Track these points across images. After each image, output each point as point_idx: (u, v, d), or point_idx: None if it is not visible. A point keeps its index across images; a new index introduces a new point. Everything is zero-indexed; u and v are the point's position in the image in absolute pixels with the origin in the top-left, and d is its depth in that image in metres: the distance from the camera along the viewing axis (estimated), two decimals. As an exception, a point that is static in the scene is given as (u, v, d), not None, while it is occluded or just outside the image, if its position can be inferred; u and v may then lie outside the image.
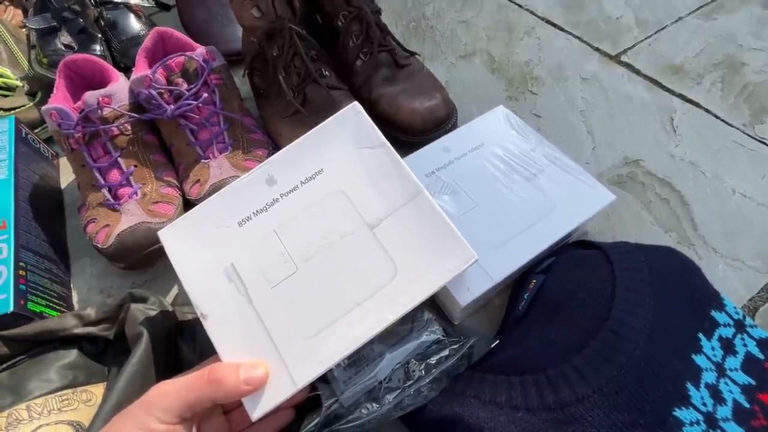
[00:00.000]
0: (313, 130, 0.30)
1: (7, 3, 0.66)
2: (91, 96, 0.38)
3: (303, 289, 0.27)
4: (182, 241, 0.28)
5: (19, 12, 0.65)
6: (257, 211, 0.28)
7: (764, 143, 0.46)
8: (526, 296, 0.32)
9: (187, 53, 0.41)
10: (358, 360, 0.32)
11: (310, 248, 0.27)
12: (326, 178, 0.29)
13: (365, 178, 0.28)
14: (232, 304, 0.26)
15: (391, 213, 0.28)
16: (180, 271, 0.27)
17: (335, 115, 0.30)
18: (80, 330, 0.31)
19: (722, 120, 0.48)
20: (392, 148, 0.29)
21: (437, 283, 0.26)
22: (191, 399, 0.22)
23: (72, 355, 0.31)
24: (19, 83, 0.53)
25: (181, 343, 0.33)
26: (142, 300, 0.31)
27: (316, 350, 0.26)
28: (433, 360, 0.32)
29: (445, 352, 0.33)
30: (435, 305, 0.36)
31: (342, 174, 0.29)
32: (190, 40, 0.45)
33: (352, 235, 0.27)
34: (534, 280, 0.33)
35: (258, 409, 0.24)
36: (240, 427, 0.28)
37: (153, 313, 0.31)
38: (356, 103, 0.30)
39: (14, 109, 0.50)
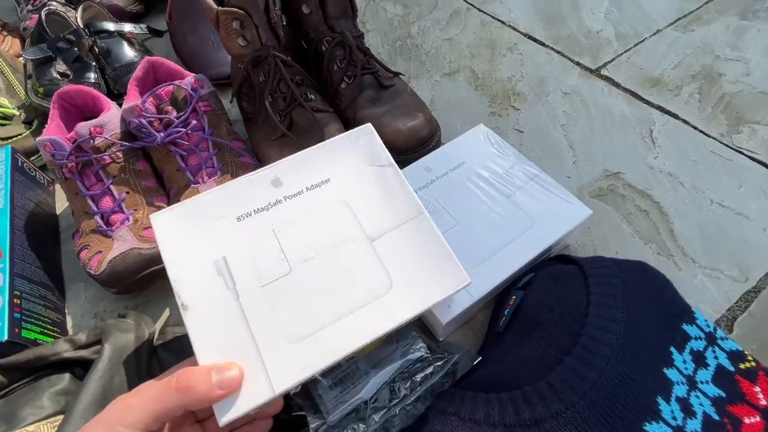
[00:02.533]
0: (325, 141, 0.30)
1: (5, 33, 0.68)
2: (83, 127, 0.40)
3: (294, 291, 0.26)
4: (174, 227, 0.27)
5: (17, 42, 0.67)
6: (258, 209, 0.28)
7: (741, 153, 0.47)
8: (506, 312, 0.33)
9: (176, 82, 0.42)
10: (344, 379, 0.33)
11: (307, 251, 0.27)
12: (332, 188, 0.29)
13: (370, 193, 0.29)
14: (217, 298, 0.25)
15: (392, 229, 0.28)
16: (167, 257, 0.26)
17: (349, 131, 0.31)
18: (71, 354, 0.32)
19: (700, 131, 0.49)
20: (399, 169, 0.30)
21: (429, 301, 0.26)
22: (159, 410, 0.20)
23: (64, 380, 0.32)
24: (16, 112, 0.54)
25: (169, 359, 0.34)
26: (122, 317, 0.32)
27: (300, 356, 0.24)
28: (418, 378, 0.33)
29: (430, 369, 0.33)
30: (420, 322, 0.37)
31: (348, 186, 0.29)
32: (180, 68, 0.46)
33: (351, 244, 0.27)
34: (514, 296, 0.34)
35: (228, 413, 0.22)
36: None
37: (124, 326, 0.32)
38: (369, 124, 0.31)
39: (11, 138, 0.52)
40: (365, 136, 0.31)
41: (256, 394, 0.23)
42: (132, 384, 0.30)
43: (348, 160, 0.30)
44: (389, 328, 0.26)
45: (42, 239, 0.44)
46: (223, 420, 0.22)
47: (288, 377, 0.23)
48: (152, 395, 0.21)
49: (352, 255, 0.27)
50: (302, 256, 0.27)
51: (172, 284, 0.26)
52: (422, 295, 0.26)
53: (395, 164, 0.30)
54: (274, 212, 0.28)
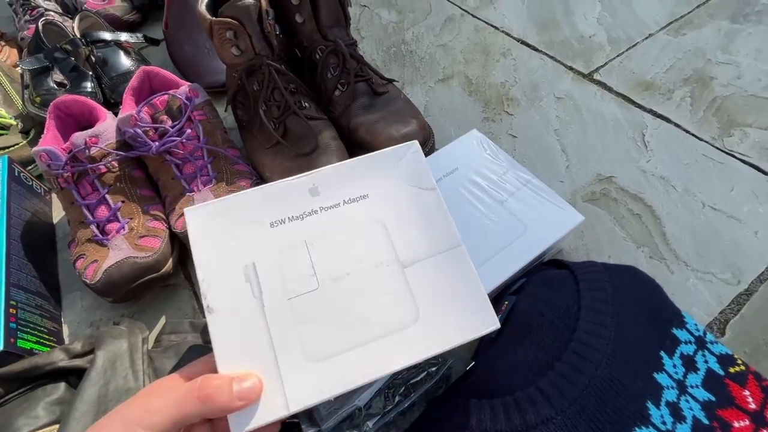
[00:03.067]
0: (368, 154, 0.29)
1: (2, 43, 0.68)
2: (78, 137, 0.40)
3: (320, 309, 0.25)
4: (207, 225, 0.27)
5: (15, 52, 0.68)
6: (293, 217, 0.27)
7: (733, 156, 0.47)
8: (499, 318, 0.33)
9: (171, 91, 0.43)
10: (338, 386, 0.33)
11: (337, 270, 0.26)
12: (369, 205, 0.28)
13: (408, 215, 0.28)
14: (242, 305, 0.25)
15: (426, 257, 0.27)
16: (197, 256, 0.26)
17: (394, 147, 0.30)
18: (66, 363, 0.32)
19: (692, 134, 0.49)
20: (441, 195, 0.29)
21: (455, 341, 0.25)
22: (179, 416, 0.21)
23: (59, 390, 0.32)
24: (13, 122, 0.55)
25: (164, 365, 0.34)
26: (116, 325, 0.33)
27: (320, 377, 0.24)
28: (412, 383, 0.33)
29: (423, 375, 0.34)
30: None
31: (386, 205, 0.28)
32: (175, 78, 0.47)
33: (383, 268, 0.26)
34: (506, 302, 0.34)
35: (242, 426, 0.22)
36: None
37: (117, 332, 0.32)
38: (416, 141, 0.30)
39: (8, 147, 0.52)
40: (410, 154, 0.30)
41: (271, 409, 0.23)
42: (128, 390, 0.31)
43: (389, 177, 0.29)
44: (411, 362, 0.25)
45: (38, 248, 0.44)
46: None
47: (304, 398, 0.23)
48: (174, 400, 0.21)
49: (382, 280, 0.26)
50: (332, 274, 0.26)
51: (199, 283, 0.25)
52: (448, 332, 0.25)
53: (437, 189, 0.29)
54: (308, 223, 0.27)
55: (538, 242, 0.36)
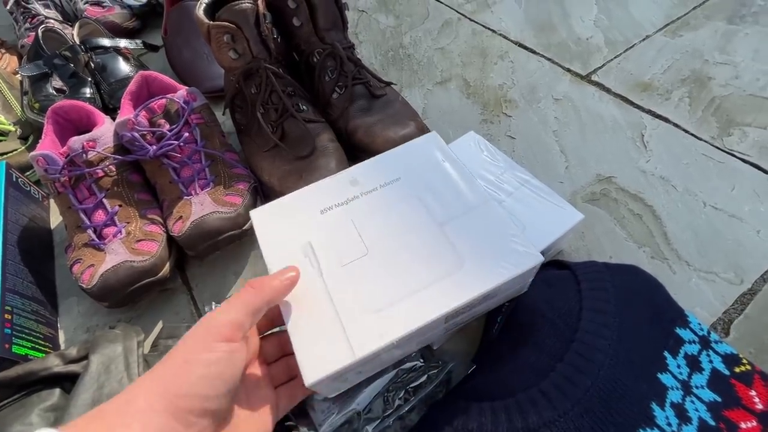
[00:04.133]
0: (395, 148, 0.36)
1: (3, 51, 0.69)
2: (76, 141, 0.40)
3: (371, 269, 0.29)
4: (269, 219, 0.32)
5: (15, 59, 0.68)
6: (339, 203, 0.32)
7: (733, 155, 0.47)
8: (499, 319, 0.33)
9: (168, 95, 0.43)
10: (337, 390, 0.33)
11: (382, 236, 0.30)
12: (402, 185, 0.33)
13: (438, 186, 0.33)
14: (303, 276, 0.28)
15: (461, 215, 0.31)
16: (263, 243, 0.31)
17: (414, 140, 0.36)
18: (61, 369, 0.32)
19: (691, 134, 0.49)
20: (463, 163, 0.34)
21: (501, 278, 0.27)
22: (248, 306, 0.24)
23: (54, 396, 0.31)
24: (11, 128, 0.55)
25: None
26: (112, 328, 0.32)
27: (378, 324, 0.26)
28: (412, 387, 0.33)
29: (424, 378, 0.33)
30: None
31: (417, 182, 0.33)
32: (173, 82, 0.47)
33: (423, 228, 0.30)
34: (507, 303, 0.33)
35: (314, 374, 0.25)
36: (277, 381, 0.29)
37: (112, 336, 0.31)
38: (434, 132, 0.36)
39: (6, 153, 0.52)
40: (431, 139, 0.36)
41: (338, 357, 0.25)
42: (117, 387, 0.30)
43: (415, 162, 0.34)
44: (460, 302, 0.27)
45: (35, 254, 0.43)
46: (310, 382, 0.25)
47: (368, 343, 0.25)
48: (236, 299, 0.24)
49: (423, 238, 0.30)
50: (378, 240, 0.30)
51: (267, 266, 0.29)
52: (494, 272, 0.28)
53: (458, 159, 0.34)
54: (352, 206, 0.32)
55: (538, 241, 0.35)
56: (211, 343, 0.22)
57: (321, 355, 0.25)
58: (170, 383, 0.21)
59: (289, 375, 0.29)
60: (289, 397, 0.28)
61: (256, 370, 0.28)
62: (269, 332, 0.31)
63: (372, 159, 0.35)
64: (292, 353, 0.27)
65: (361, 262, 0.29)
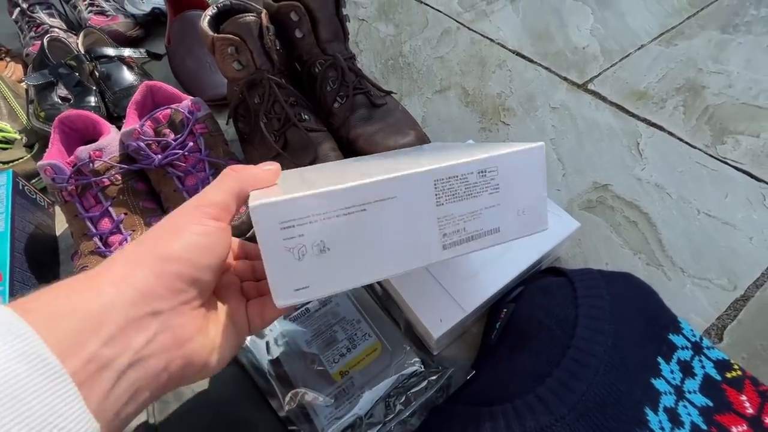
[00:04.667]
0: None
1: (8, 59, 0.70)
2: (83, 151, 0.41)
3: (354, 168, 0.27)
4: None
5: (20, 68, 0.69)
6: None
7: (726, 163, 0.48)
8: (497, 326, 0.34)
9: (173, 105, 0.44)
10: (339, 395, 0.33)
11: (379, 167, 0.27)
12: (402, 152, 0.33)
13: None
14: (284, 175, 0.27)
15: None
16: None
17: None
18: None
19: (685, 142, 0.50)
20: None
21: (498, 149, 0.25)
22: (232, 188, 0.23)
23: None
24: (17, 136, 0.55)
25: None
26: None
27: (345, 181, 0.22)
28: (412, 392, 0.33)
29: (424, 384, 0.34)
30: (414, 336, 0.37)
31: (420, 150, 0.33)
32: (177, 92, 0.48)
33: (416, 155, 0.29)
34: (505, 309, 0.34)
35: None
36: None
37: None
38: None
39: (12, 161, 0.53)
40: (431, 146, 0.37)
41: (295, 191, 0.21)
42: None
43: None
44: (446, 164, 0.23)
45: (42, 261, 0.44)
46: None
47: (328, 186, 0.21)
48: (220, 182, 0.23)
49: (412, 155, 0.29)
50: (374, 164, 0.27)
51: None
52: (488, 146, 0.26)
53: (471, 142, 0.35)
54: (350, 163, 0.30)
55: (535, 249, 0.36)
56: (202, 218, 0.21)
57: (276, 193, 0.21)
58: (159, 246, 0.19)
59: (259, 294, 0.26)
60: (259, 313, 0.25)
61: (231, 276, 0.26)
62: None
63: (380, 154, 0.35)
64: (264, 278, 0.25)
65: (344, 169, 0.26)
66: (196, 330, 0.20)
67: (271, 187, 0.24)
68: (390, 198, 0.22)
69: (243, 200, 0.23)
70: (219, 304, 0.23)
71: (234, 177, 0.23)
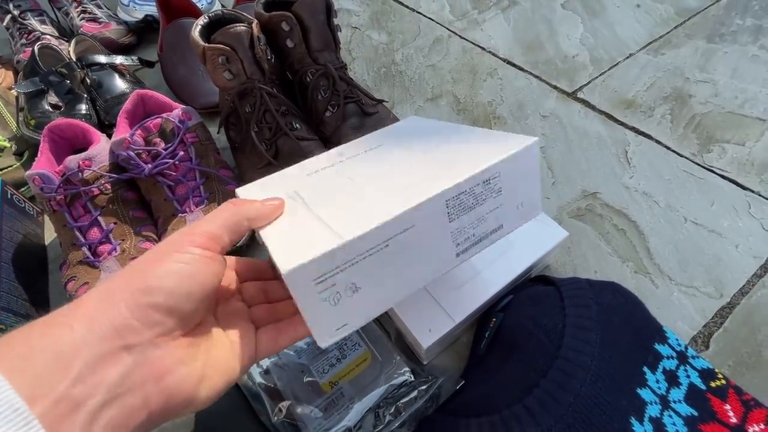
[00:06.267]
0: (378, 130, 0.38)
1: (-2, 66, 0.69)
2: (72, 160, 0.41)
3: (358, 190, 0.27)
4: (254, 189, 0.31)
5: (11, 75, 0.69)
6: (325, 167, 0.32)
7: (712, 171, 0.48)
8: (486, 335, 0.34)
9: (164, 115, 0.44)
10: (329, 406, 0.33)
11: (370, 175, 0.29)
12: (387, 146, 0.33)
13: (422, 135, 0.34)
14: (288, 209, 0.26)
15: (446, 142, 0.31)
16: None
17: (397, 122, 0.39)
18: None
19: (673, 150, 0.51)
20: (455, 126, 0.35)
21: (496, 156, 0.26)
22: (227, 221, 0.22)
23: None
24: (7, 144, 0.55)
25: None
26: None
27: (365, 216, 0.23)
28: (402, 403, 0.33)
29: (414, 394, 0.34)
30: (404, 346, 0.37)
31: (401, 141, 0.33)
32: (169, 100, 0.48)
33: (410, 157, 0.30)
34: (494, 319, 0.34)
35: (291, 261, 0.21)
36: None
37: None
38: (413, 116, 0.39)
39: (1, 170, 0.52)
40: (411, 119, 0.39)
41: (323, 242, 0.22)
42: None
43: (396, 132, 0.36)
44: (455, 182, 0.24)
45: (30, 271, 0.44)
46: (287, 268, 0.21)
47: (352, 228, 0.22)
48: (215, 213, 0.23)
49: (411, 161, 0.29)
50: (371, 177, 0.28)
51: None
52: (489, 154, 0.26)
53: (443, 125, 0.35)
54: (338, 167, 0.31)
55: (523, 259, 0.36)
56: (186, 246, 0.21)
57: (301, 245, 0.22)
58: (134, 278, 0.19)
59: (273, 318, 0.26)
60: (273, 338, 0.25)
61: (234, 305, 0.25)
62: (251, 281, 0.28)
63: (355, 140, 0.37)
64: (278, 300, 0.26)
65: (347, 190, 0.27)
66: (177, 361, 0.19)
67: (278, 222, 0.25)
68: (409, 228, 0.23)
69: (239, 233, 0.23)
70: (216, 331, 0.23)
71: (231, 210, 0.23)
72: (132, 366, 0.18)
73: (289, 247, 0.22)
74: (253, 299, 0.27)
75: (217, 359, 0.21)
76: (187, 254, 0.20)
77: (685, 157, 0.50)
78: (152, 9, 0.74)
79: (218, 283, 0.22)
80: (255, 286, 0.27)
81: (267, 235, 0.24)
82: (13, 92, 0.62)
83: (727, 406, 0.27)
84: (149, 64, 0.66)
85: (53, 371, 0.16)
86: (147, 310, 0.19)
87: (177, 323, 0.20)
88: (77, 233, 0.41)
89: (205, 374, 0.20)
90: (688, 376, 0.28)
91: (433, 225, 0.24)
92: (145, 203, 0.46)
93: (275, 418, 0.33)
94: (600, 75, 0.61)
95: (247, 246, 0.44)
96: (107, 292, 0.19)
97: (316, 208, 0.25)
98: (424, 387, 0.34)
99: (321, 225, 0.23)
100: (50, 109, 0.57)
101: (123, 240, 0.42)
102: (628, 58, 0.63)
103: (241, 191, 0.30)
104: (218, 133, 0.49)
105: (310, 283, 0.21)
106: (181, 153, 0.43)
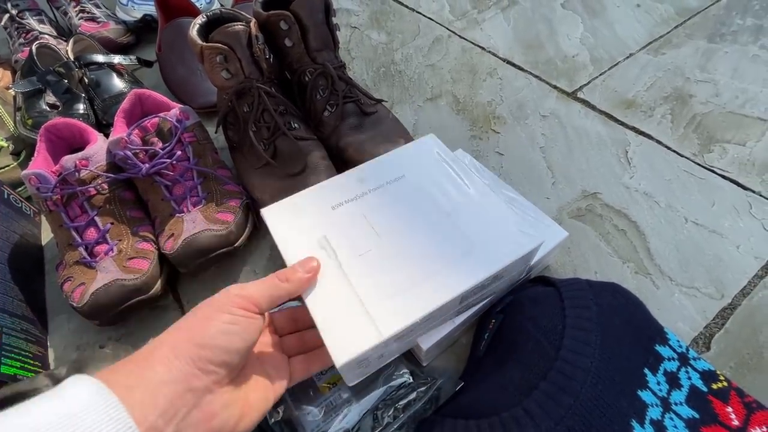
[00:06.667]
0: (398, 148, 0.39)
1: (-4, 66, 0.69)
2: (68, 160, 0.40)
3: (387, 257, 0.31)
4: (281, 217, 0.34)
5: (8, 74, 0.68)
6: (348, 199, 0.35)
7: (713, 171, 0.48)
8: (486, 336, 0.34)
9: (161, 114, 0.43)
10: (327, 408, 0.33)
11: (393, 227, 0.33)
12: (408, 181, 0.36)
13: (441, 180, 0.36)
14: (324, 268, 0.30)
15: (465, 205, 0.34)
16: (278, 240, 0.32)
17: (414, 141, 0.40)
18: (51, 389, 0.32)
19: (673, 150, 0.51)
20: (469, 158, 0.41)
21: (509, 258, 0.30)
22: (272, 294, 0.27)
23: (43, 418, 0.31)
24: (4, 144, 0.55)
25: None
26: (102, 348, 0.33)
27: (400, 307, 0.29)
28: (401, 404, 0.33)
29: (413, 395, 0.34)
30: (403, 347, 0.37)
31: (420, 178, 0.36)
32: (166, 100, 0.48)
33: (431, 217, 0.33)
34: (493, 320, 0.34)
35: (344, 355, 0.26)
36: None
37: (102, 355, 0.32)
38: (432, 134, 0.40)
39: (-2, 169, 0.52)
40: (429, 142, 0.40)
41: (366, 338, 0.27)
42: None
43: (417, 161, 0.38)
44: (473, 283, 0.30)
45: (26, 271, 0.43)
46: (340, 362, 0.26)
47: (392, 324, 0.28)
48: (264, 282, 0.27)
49: (433, 226, 0.33)
50: (390, 231, 0.32)
51: (286, 264, 0.31)
52: (502, 254, 0.31)
53: (456, 157, 0.38)
54: (361, 201, 0.35)
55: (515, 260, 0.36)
56: (230, 308, 0.25)
57: (349, 338, 0.27)
58: (194, 334, 0.24)
59: (303, 347, 0.32)
60: (304, 367, 0.31)
61: (267, 338, 0.30)
62: (278, 308, 0.33)
63: (376, 159, 0.38)
64: (306, 328, 0.31)
65: (377, 252, 0.31)
66: (223, 405, 0.24)
67: (320, 292, 0.29)
68: (428, 318, 0.29)
69: (275, 305, 0.28)
70: (255, 368, 0.28)
71: (277, 286, 0.28)
72: (192, 406, 0.23)
73: (338, 338, 0.27)
74: (281, 329, 0.32)
75: (255, 399, 0.26)
76: (232, 315, 0.25)
77: (686, 157, 0.50)
78: (151, 8, 0.74)
79: (259, 336, 0.26)
80: (284, 316, 0.33)
81: (314, 311, 0.28)
82: (11, 92, 0.62)
83: (729, 409, 0.26)
84: (148, 64, 0.66)
85: (147, 404, 0.21)
86: (205, 362, 0.23)
87: (227, 372, 0.25)
88: (74, 233, 0.40)
89: (243, 413, 0.25)
90: (690, 378, 0.28)
91: (446, 311, 0.31)
92: (142, 203, 0.46)
93: (272, 419, 0.32)
94: (600, 75, 0.61)
95: (246, 246, 0.44)
96: (174, 342, 0.23)
97: (352, 276, 0.30)
98: (423, 388, 0.34)
99: (365, 316, 0.28)
100: (48, 109, 0.57)
101: (120, 240, 0.41)
102: (628, 57, 0.63)
103: (266, 213, 0.34)
104: (216, 132, 0.49)
105: (354, 366, 0.28)
106: (179, 153, 0.43)
